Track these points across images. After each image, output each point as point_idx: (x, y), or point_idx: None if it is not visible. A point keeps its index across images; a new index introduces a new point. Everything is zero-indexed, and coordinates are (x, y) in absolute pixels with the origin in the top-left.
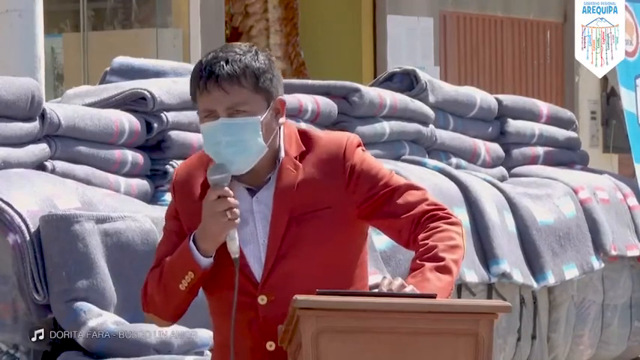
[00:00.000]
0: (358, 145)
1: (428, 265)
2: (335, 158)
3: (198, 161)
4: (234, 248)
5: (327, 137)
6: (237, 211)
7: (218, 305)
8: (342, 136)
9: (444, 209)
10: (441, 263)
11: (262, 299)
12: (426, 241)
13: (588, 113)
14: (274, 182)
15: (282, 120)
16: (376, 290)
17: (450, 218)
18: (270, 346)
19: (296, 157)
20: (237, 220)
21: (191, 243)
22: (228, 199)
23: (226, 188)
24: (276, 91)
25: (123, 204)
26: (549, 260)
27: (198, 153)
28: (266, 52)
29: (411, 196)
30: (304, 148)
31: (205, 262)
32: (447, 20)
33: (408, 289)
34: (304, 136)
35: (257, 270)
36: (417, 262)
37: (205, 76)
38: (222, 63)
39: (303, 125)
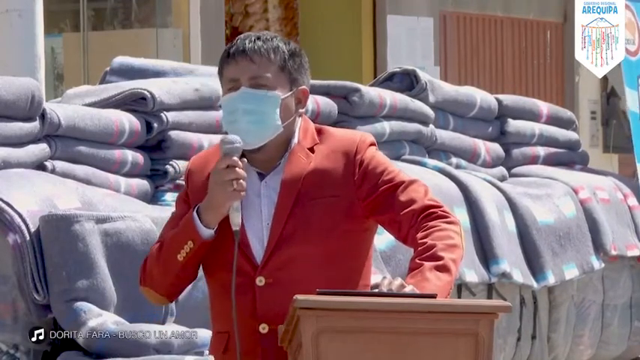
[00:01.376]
0: (371, 144)
1: (427, 264)
2: (347, 152)
3: (215, 152)
4: (236, 220)
5: (341, 133)
6: (243, 183)
7: (217, 287)
8: (356, 134)
9: (442, 208)
10: (440, 262)
11: (260, 280)
12: (425, 240)
13: (588, 113)
14: (284, 167)
15: (301, 110)
16: (376, 290)
17: (448, 217)
18: (264, 328)
19: (309, 148)
20: (243, 193)
21: (194, 213)
22: (237, 169)
23: (235, 158)
24: (302, 79)
25: (123, 204)
26: (549, 260)
27: (216, 144)
28: (298, 46)
29: (413, 192)
30: (318, 141)
31: (206, 232)
32: (447, 20)
33: (408, 288)
34: (320, 131)
35: (258, 252)
36: (416, 261)
37: (235, 49)
38: (253, 38)
39: None
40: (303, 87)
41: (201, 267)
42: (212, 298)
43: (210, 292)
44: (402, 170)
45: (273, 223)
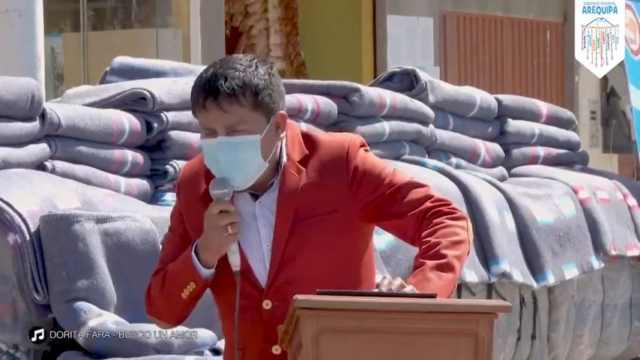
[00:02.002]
0: (361, 146)
1: (429, 263)
2: (338, 161)
3: (203, 162)
4: (235, 261)
5: (329, 140)
6: (238, 225)
7: (224, 307)
8: (345, 138)
9: (448, 204)
10: (443, 261)
11: (267, 304)
12: (429, 238)
13: (588, 113)
14: (277, 187)
15: (282, 134)
16: (376, 290)
17: (454, 213)
18: (276, 350)
19: (299, 162)
20: (239, 235)
21: (193, 254)
22: (230, 213)
23: (228, 203)
24: (277, 105)
25: (123, 204)
26: (549, 260)
27: (202, 153)
28: (268, 63)
29: (414, 194)
30: (307, 152)
31: (206, 272)
32: (447, 20)
33: (408, 289)
34: (307, 139)
35: (261, 275)
36: (419, 260)
37: (204, 94)
38: (221, 81)
39: (303, 125)
40: (280, 112)
41: None
42: (221, 314)
43: (218, 308)
44: (397, 169)
45: (273, 246)
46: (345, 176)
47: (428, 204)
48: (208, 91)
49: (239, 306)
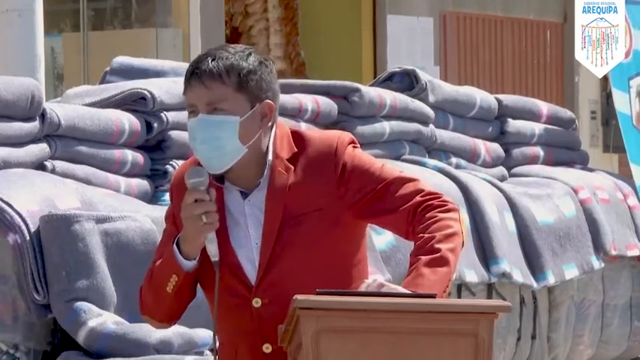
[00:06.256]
0: (350, 143)
1: (423, 259)
2: (326, 159)
3: (194, 163)
4: (212, 251)
5: (318, 137)
6: (214, 214)
7: (212, 304)
8: (333, 136)
9: (439, 197)
10: (437, 255)
11: (257, 302)
12: (422, 234)
13: (588, 113)
14: (266, 185)
15: (269, 124)
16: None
17: (445, 205)
18: (267, 348)
19: (288, 159)
20: (215, 224)
21: (174, 246)
22: (205, 202)
23: (202, 191)
24: (264, 94)
25: (123, 204)
26: (549, 260)
27: (194, 156)
28: (263, 56)
29: (404, 189)
30: (296, 150)
31: (188, 265)
32: (447, 20)
33: (385, 288)
34: (297, 136)
35: (251, 273)
36: (414, 257)
37: (190, 72)
38: (208, 60)
39: (303, 125)
40: (267, 101)
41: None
42: (211, 313)
43: (210, 306)
44: (386, 164)
45: (262, 244)
46: (333, 174)
47: (418, 198)
48: (195, 68)
49: (231, 304)
